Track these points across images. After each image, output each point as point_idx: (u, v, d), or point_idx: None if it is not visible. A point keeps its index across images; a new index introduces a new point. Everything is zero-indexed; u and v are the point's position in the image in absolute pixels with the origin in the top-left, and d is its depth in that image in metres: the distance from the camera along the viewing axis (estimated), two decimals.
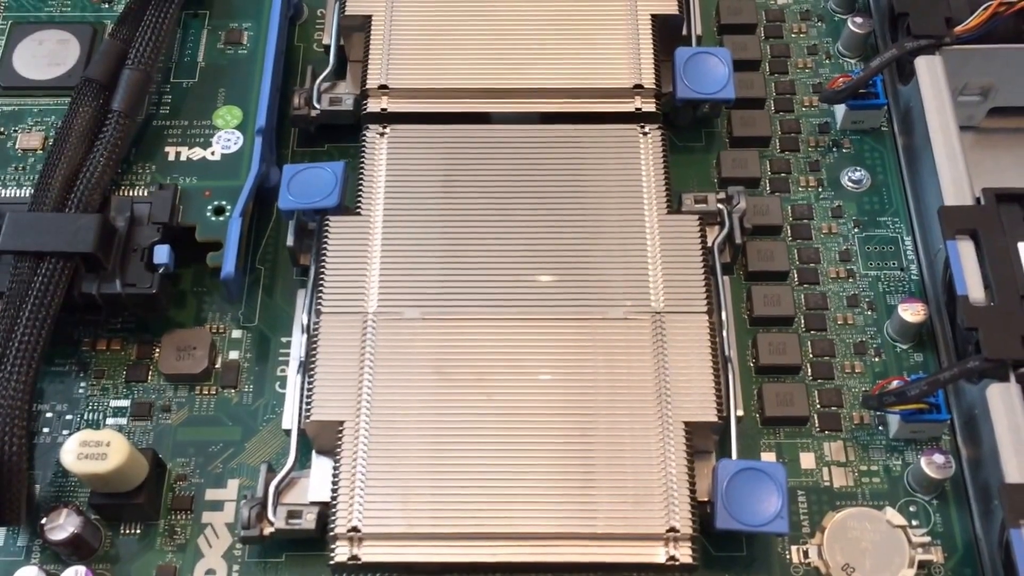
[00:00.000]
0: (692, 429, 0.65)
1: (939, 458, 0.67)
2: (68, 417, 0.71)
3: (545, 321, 0.68)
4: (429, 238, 0.70)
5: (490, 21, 0.77)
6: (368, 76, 0.76)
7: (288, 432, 0.67)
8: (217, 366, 0.73)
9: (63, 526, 0.65)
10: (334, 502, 0.63)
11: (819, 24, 0.86)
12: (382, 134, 0.74)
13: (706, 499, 0.65)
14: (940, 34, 0.77)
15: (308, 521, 0.64)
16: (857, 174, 0.79)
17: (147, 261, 0.71)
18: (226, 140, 0.77)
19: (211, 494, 0.69)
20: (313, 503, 0.65)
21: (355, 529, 0.62)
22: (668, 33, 0.78)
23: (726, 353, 0.68)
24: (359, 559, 0.61)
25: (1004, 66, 0.80)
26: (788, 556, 0.67)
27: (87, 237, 0.69)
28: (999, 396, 0.66)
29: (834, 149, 0.80)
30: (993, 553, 0.65)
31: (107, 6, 0.85)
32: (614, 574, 0.63)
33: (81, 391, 0.72)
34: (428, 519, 0.62)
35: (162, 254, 0.71)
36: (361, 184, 0.72)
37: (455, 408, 0.65)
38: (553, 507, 0.62)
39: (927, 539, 0.66)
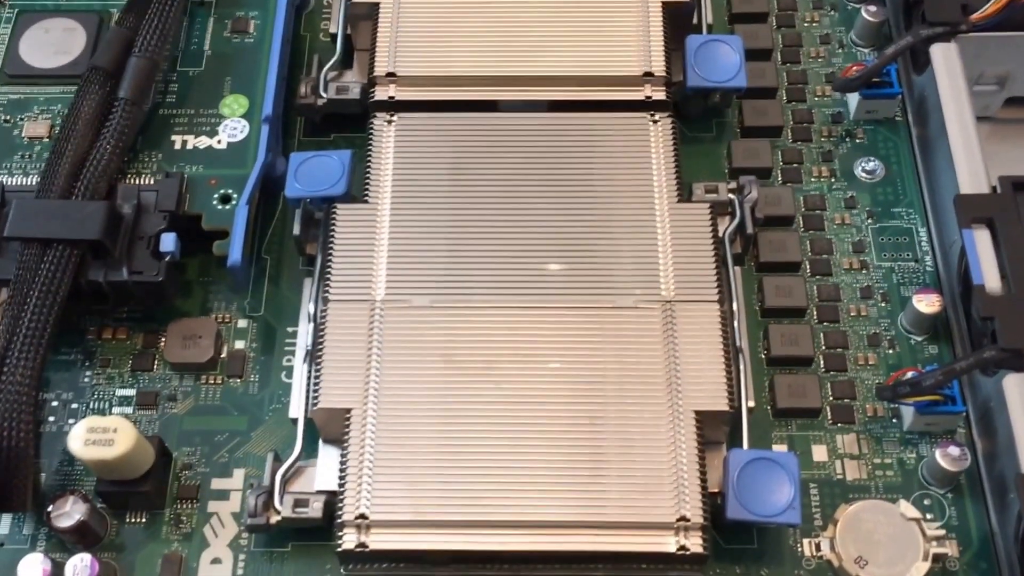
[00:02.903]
0: (703, 419, 0.64)
1: (954, 450, 0.67)
2: (74, 406, 0.71)
3: (554, 309, 0.67)
4: (437, 226, 0.70)
5: (499, 8, 0.77)
6: (376, 64, 0.75)
7: (295, 421, 0.67)
8: (223, 355, 0.73)
9: (69, 513, 0.64)
10: (341, 489, 0.62)
11: (832, 13, 0.85)
12: (390, 122, 0.74)
13: (716, 490, 0.64)
14: (956, 21, 0.76)
15: (315, 510, 0.64)
16: (871, 164, 0.78)
17: (153, 249, 0.71)
18: (232, 129, 0.77)
19: (217, 483, 0.69)
20: (320, 492, 0.65)
21: (363, 516, 0.61)
22: (679, 22, 0.78)
23: (737, 344, 0.68)
24: (367, 546, 0.61)
25: (1021, 55, 0.79)
26: (800, 549, 0.66)
27: (94, 224, 0.69)
28: (1016, 386, 0.65)
29: (847, 139, 0.80)
30: (1009, 547, 0.65)
31: None
32: (624, 564, 0.63)
33: (87, 380, 0.72)
34: (436, 507, 0.61)
35: (168, 242, 0.70)
36: (368, 172, 0.72)
37: (463, 396, 0.64)
38: (562, 495, 0.62)
39: (942, 532, 0.65)
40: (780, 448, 0.69)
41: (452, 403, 0.64)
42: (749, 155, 0.78)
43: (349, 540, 0.61)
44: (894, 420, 0.70)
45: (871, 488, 0.68)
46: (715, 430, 0.66)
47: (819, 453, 0.69)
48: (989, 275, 0.68)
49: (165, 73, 0.80)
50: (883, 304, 0.74)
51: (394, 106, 0.75)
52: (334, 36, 0.79)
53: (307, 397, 0.66)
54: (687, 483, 0.62)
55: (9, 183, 0.74)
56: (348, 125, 0.79)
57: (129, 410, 0.71)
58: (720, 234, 0.71)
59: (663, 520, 0.61)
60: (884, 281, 0.74)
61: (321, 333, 0.67)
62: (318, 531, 0.65)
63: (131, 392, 0.71)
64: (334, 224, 0.70)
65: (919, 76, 0.80)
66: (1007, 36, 0.78)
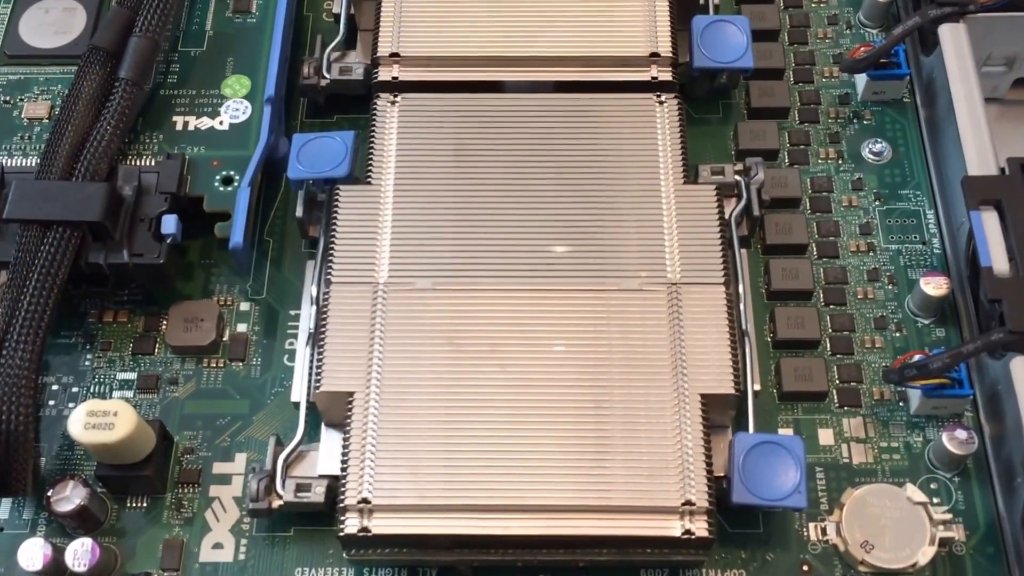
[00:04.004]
0: (708, 402, 0.64)
1: (961, 434, 0.66)
2: (74, 390, 0.71)
3: (559, 292, 0.67)
4: (441, 208, 0.69)
5: None
6: (379, 44, 0.75)
7: (297, 405, 0.66)
8: (225, 338, 0.72)
9: (69, 498, 0.64)
10: (344, 473, 0.62)
11: None
12: (393, 103, 0.73)
13: (722, 474, 0.64)
14: (964, 1, 0.76)
15: (317, 494, 0.63)
16: (878, 146, 0.78)
17: (155, 231, 0.70)
18: (234, 110, 0.77)
19: (219, 467, 0.68)
20: (322, 476, 0.64)
21: (365, 501, 0.61)
22: (685, 2, 0.77)
23: (743, 326, 0.67)
24: (369, 531, 0.60)
25: None
26: (805, 533, 0.66)
27: (94, 206, 0.68)
28: None
29: (854, 120, 0.79)
30: (1016, 531, 0.65)
31: None
32: (628, 548, 0.62)
33: (87, 363, 0.71)
34: (440, 491, 0.61)
35: (170, 224, 0.70)
36: (371, 153, 0.71)
37: (467, 379, 0.64)
38: (567, 479, 0.61)
39: (948, 516, 0.65)
40: (786, 432, 0.69)
41: (456, 386, 0.64)
42: (756, 136, 0.77)
43: (351, 525, 0.61)
44: (901, 403, 0.70)
45: (877, 472, 0.68)
46: (721, 413, 0.65)
47: (825, 437, 0.69)
48: (997, 257, 0.67)
49: (166, 53, 0.79)
50: (890, 287, 0.73)
51: (397, 87, 0.74)
52: (337, 16, 0.79)
53: (309, 380, 0.66)
54: (692, 467, 0.61)
55: (9, 164, 0.74)
56: (351, 106, 0.79)
57: (130, 394, 0.70)
58: (726, 216, 0.70)
59: (668, 504, 0.61)
60: (891, 263, 0.74)
61: (323, 316, 0.66)
62: (320, 516, 0.65)
63: (132, 376, 0.71)
64: (337, 206, 0.69)
65: (927, 57, 0.79)
66: (1016, 16, 0.77)
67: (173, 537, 0.66)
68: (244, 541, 0.66)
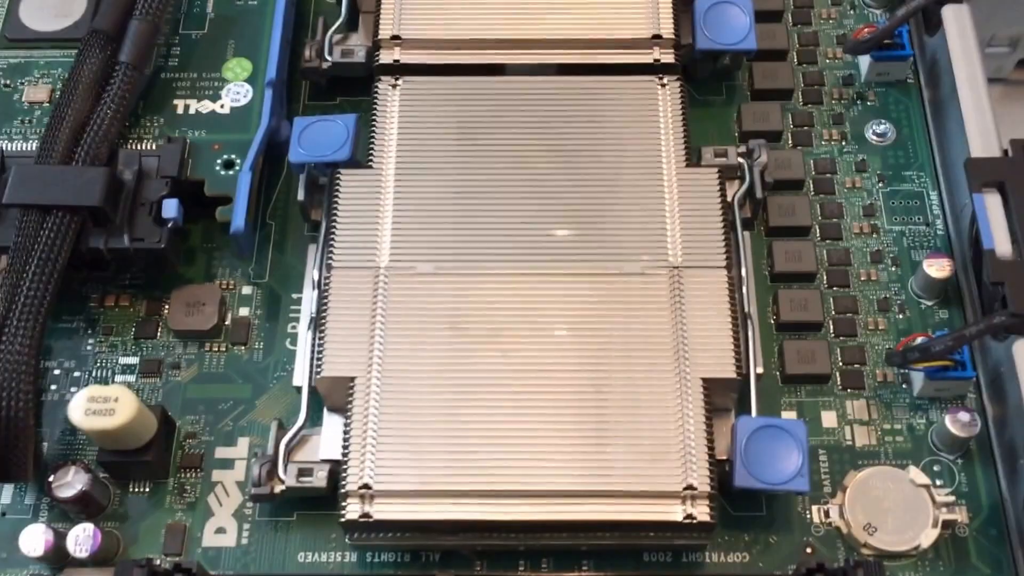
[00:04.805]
0: (710, 386, 0.64)
1: (964, 416, 0.66)
2: (76, 374, 0.71)
3: (561, 276, 0.66)
4: (443, 192, 0.69)
5: None
6: (380, 26, 0.75)
7: (299, 389, 0.66)
8: (227, 323, 0.72)
9: (71, 483, 0.64)
10: (345, 459, 0.62)
11: None
12: (394, 86, 0.73)
13: (724, 458, 0.63)
14: None
15: (319, 479, 0.63)
16: (882, 127, 0.78)
17: (155, 215, 0.70)
18: (236, 93, 0.76)
19: (221, 452, 0.68)
20: (324, 461, 0.64)
21: (367, 486, 0.61)
22: None
23: (746, 309, 0.67)
24: (371, 516, 0.60)
25: None
26: (808, 516, 0.66)
27: (94, 190, 0.68)
28: None
29: (858, 102, 0.79)
30: (1019, 513, 0.65)
31: None
32: (630, 533, 0.62)
33: (89, 348, 0.71)
34: (441, 476, 0.61)
35: (171, 208, 0.70)
36: (373, 137, 0.71)
37: (469, 364, 0.64)
38: (568, 464, 0.61)
39: (951, 499, 0.65)
40: (789, 414, 0.69)
41: (457, 371, 0.64)
42: (759, 118, 0.77)
43: (352, 510, 0.61)
44: (904, 386, 0.70)
45: (880, 454, 0.68)
46: (723, 397, 0.65)
47: (828, 419, 0.69)
48: (1000, 239, 0.67)
49: (167, 36, 0.79)
50: (893, 268, 0.73)
51: (399, 70, 0.74)
52: None
53: (312, 365, 0.66)
54: (694, 451, 0.61)
55: (9, 149, 0.74)
56: (353, 89, 0.78)
57: (132, 378, 0.70)
58: (729, 198, 0.70)
59: (670, 489, 0.61)
60: (894, 245, 0.74)
61: (325, 300, 0.66)
62: (323, 500, 0.64)
63: (134, 360, 0.71)
64: (338, 190, 0.69)
65: (931, 38, 0.79)
66: None
67: (175, 522, 0.66)
68: (247, 526, 0.66)
